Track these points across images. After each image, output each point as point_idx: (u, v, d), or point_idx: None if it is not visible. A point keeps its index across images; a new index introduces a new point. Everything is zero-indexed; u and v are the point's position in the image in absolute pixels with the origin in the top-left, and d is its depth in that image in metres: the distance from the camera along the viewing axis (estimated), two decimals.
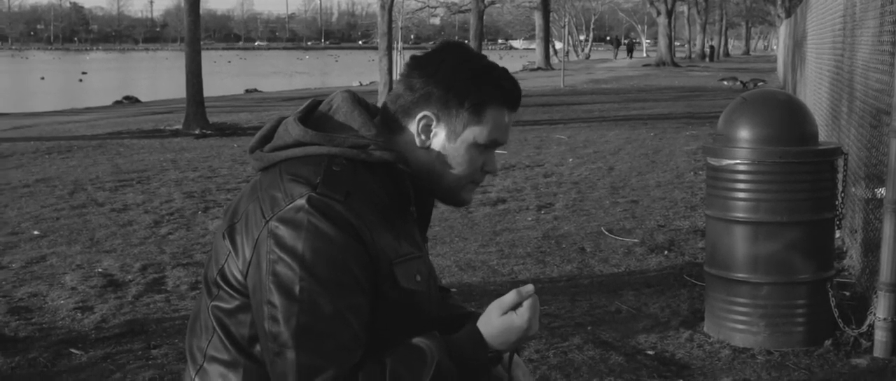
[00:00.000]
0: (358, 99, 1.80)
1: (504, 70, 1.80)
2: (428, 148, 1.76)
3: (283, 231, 1.62)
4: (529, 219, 6.89)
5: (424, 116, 1.75)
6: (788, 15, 28.56)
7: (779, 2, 45.31)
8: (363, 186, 1.69)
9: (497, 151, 1.88)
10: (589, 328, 4.29)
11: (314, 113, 1.81)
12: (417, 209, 1.81)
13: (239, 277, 1.69)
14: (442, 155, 1.76)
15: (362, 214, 1.65)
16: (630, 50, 65.99)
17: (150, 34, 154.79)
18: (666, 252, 5.77)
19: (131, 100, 24.74)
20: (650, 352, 3.97)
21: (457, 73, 1.74)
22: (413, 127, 1.75)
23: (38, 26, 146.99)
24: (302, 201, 1.63)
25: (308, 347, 1.59)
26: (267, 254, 1.62)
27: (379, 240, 1.66)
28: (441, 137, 1.76)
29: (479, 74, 1.75)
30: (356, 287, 1.63)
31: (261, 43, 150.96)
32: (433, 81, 1.74)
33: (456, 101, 1.74)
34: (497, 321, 1.72)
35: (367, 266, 1.64)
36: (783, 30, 26.58)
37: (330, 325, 1.60)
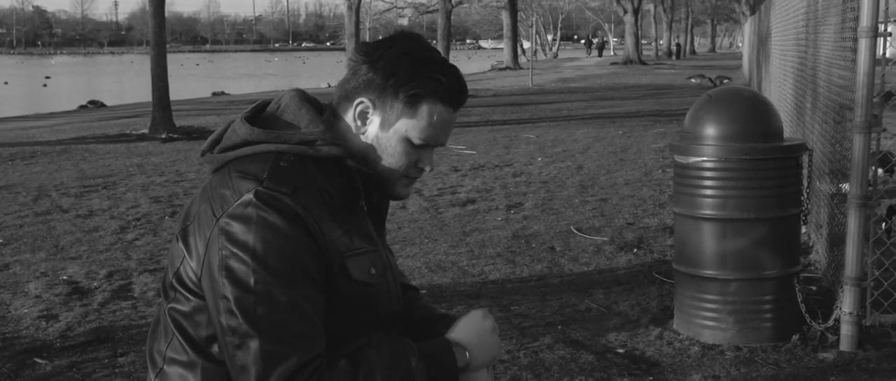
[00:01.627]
0: (306, 96, 1.80)
1: (449, 65, 1.77)
2: (364, 135, 1.75)
3: (234, 227, 1.62)
4: (499, 219, 6.89)
5: (361, 102, 1.73)
6: (753, 12, 28.85)
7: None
8: (311, 181, 1.68)
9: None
10: (559, 327, 4.30)
11: (263, 113, 1.81)
12: (370, 204, 1.80)
13: (194, 278, 1.69)
14: (376, 143, 1.74)
15: (310, 207, 1.64)
16: (600, 49, 66.33)
17: (115, 37, 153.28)
18: (635, 250, 5.80)
19: (96, 104, 24.42)
20: (620, 350, 3.98)
21: (398, 62, 1.71)
22: (351, 113, 1.74)
23: (0, 31, 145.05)
24: (249, 196, 1.63)
25: (268, 335, 1.58)
26: (219, 250, 1.62)
27: (328, 233, 1.66)
28: (375, 124, 1.74)
29: (420, 66, 1.72)
30: (308, 278, 1.63)
31: (228, 46, 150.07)
32: (375, 68, 1.72)
33: (392, 90, 1.71)
34: (476, 324, 1.79)
35: (316, 258, 1.64)
36: (748, 27, 26.85)
37: (287, 314, 1.59)
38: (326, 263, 1.65)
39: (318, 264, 1.64)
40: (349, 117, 1.75)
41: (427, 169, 1.80)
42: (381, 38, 1.80)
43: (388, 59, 1.72)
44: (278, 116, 1.77)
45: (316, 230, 1.64)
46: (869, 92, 3.87)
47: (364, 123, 1.74)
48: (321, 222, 1.65)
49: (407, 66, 1.71)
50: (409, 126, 1.73)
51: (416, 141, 1.74)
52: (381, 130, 1.74)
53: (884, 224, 5.47)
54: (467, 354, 1.76)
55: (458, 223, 6.75)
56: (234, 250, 1.61)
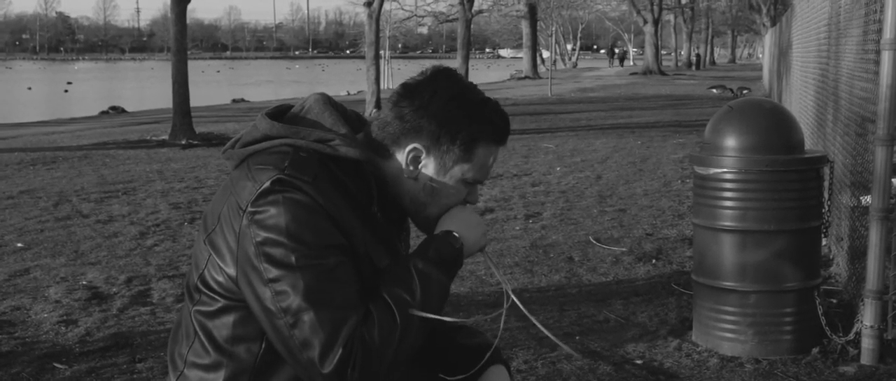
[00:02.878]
0: (330, 101, 1.82)
1: (495, 104, 1.82)
2: (415, 179, 1.78)
3: (263, 213, 1.64)
4: (517, 228, 6.88)
5: (414, 149, 1.76)
6: (774, 24, 28.72)
7: (764, 11, 45.58)
8: (329, 175, 1.71)
9: None
10: (577, 337, 4.28)
11: (287, 113, 1.83)
12: (387, 216, 1.81)
13: (220, 279, 1.70)
14: (428, 187, 1.79)
15: (330, 196, 1.67)
16: (622, 59, 66.16)
17: (136, 44, 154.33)
18: (654, 261, 5.77)
19: (117, 110, 24.64)
20: (639, 361, 3.96)
21: (449, 108, 1.75)
22: (401, 157, 1.77)
23: (24, 36, 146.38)
24: (271, 183, 1.65)
25: (324, 303, 1.61)
26: (253, 238, 1.64)
27: (347, 223, 1.68)
28: (430, 170, 1.78)
29: (473, 112, 1.76)
30: (341, 245, 1.66)
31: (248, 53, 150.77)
32: (425, 114, 1.75)
33: (448, 137, 1.75)
34: (459, 212, 1.84)
35: (342, 237, 1.68)
36: (768, 38, 26.72)
37: (333, 281, 1.63)
38: (351, 245, 1.69)
39: (344, 240, 1.68)
40: (398, 160, 1.78)
41: (473, 203, 1.89)
42: (418, 77, 1.81)
43: (438, 105, 1.75)
44: (302, 117, 1.79)
45: (337, 217, 1.66)
46: (891, 104, 3.84)
47: (416, 168, 1.78)
48: (340, 211, 1.67)
49: (458, 112, 1.75)
50: (465, 169, 1.79)
51: (472, 180, 1.81)
52: (437, 175, 1.78)
53: None
54: (459, 237, 1.81)
55: None
56: (269, 234, 1.63)
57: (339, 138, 1.73)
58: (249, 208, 1.65)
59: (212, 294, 1.71)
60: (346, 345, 1.59)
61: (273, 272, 1.62)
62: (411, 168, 1.77)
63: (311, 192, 1.64)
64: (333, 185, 1.69)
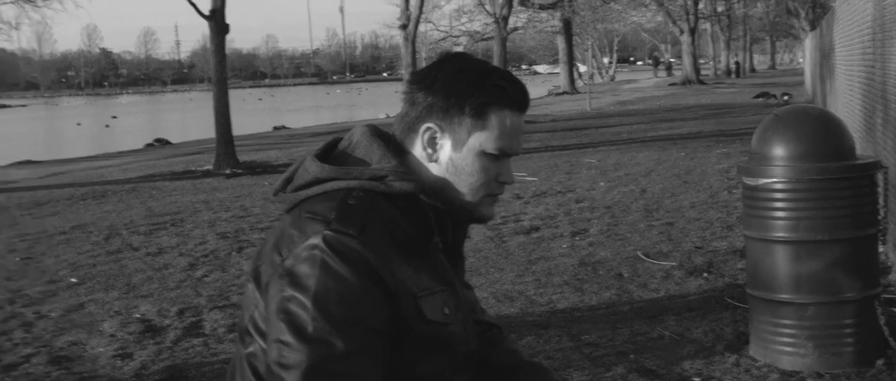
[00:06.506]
0: (377, 131, 1.77)
1: (505, 72, 1.75)
2: (437, 161, 1.71)
3: (297, 270, 1.59)
4: (564, 246, 6.84)
5: (428, 128, 1.70)
6: (813, 28, 28.35)
7: (802, 15, 45.02)
8: (381, 218, 1.65)
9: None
10: (632, 355, 4.23)
11: (335, 150, 1.78)
12: (444, 241, 1.75)
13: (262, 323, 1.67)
14: (451, 167, 1.71)
15: (379, 249, 1.61)
16: (668, 68, 65.56)
17: (177, 76, 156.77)
18: (705, 275, 5.69)
19: (162, 142, 25.00)
20: (696, 379, 3.90)
21: (455, 79, 1.70)
22: (419, 143, 1.72)
23: (69, 73, 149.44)
24: (316, 240, 1.60)
25: None
26: (280, 291, 1.60)
27: (398, 273, 1.62)
28: (447, 147, 1.71)
29: (478, 77, 1.70)
30: (368, 328, 1.58)
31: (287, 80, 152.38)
32: (433, 91, 1.70)
33: (457, 107, 1.69)
34: None
35: (383, 304, 1.60)
36: (809, 43, 26.37)
37: (343, 364, 1.56)
38: (397, 305, 1.61)
39: (383, 309, 1.60)
40: (418, 148, 1.72)
41: (508, 183, 1.76)
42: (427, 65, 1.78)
43: (444, 80, 1.70)
44: (350, 153, 1.74)
45: (385, 273, 1.60)
46: None
47: (434, 150, 1.71)
48: (390, 262, 1.61)
49: (465, 80, 1.70)
50: (482, 139, 1.70)
51: (493, 151, 1.70)
52: (455, 151, 1.70)
53: None
54: None
55: (523, 252, 6.71)
56: (295, 293, 1.58)
57: (391, 173, 1.69)
58: (288, 260, 1.61)
59: (260, 338, 1.67)
60: None
61: (285, 334, 1.57)
62: (430, 150, 1.71)
63: (358, 247, 1.59)
64: (386, 229, 1.64)
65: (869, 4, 6.91)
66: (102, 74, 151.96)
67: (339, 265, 1.57)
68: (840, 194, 3.90)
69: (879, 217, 4.05)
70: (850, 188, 3.92)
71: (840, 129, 4.04)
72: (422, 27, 25.85)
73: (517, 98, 1.72)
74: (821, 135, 3.93)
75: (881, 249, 4.33)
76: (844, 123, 4.20)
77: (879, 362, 3.89)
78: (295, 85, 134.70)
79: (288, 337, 1.56)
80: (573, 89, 41.83)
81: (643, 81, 57.42)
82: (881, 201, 4.11)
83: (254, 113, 45.35)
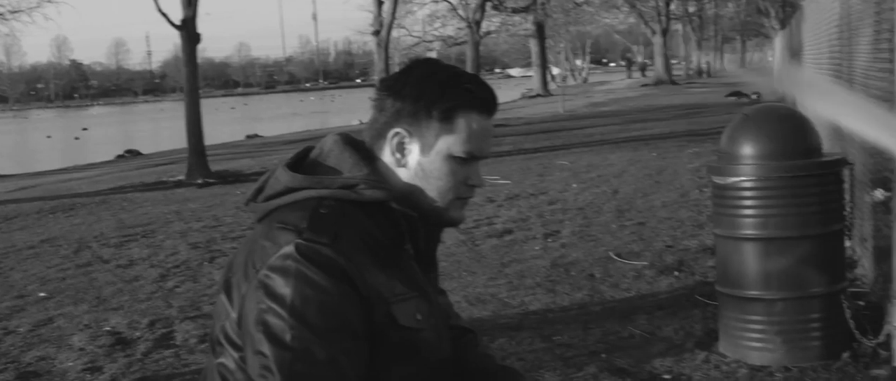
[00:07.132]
0: (349, 139, 1.77)
1: (473, 75, 1.76)
2: (405, 166, 1.72)
3: (272, 281, 1.59)
4: (537, 248, 6.85)
5: (397, 134, 1.71)
6: (783, 26, 28.64)
7: (773, 14, 45.47)
8: (353, 226, 1.65)
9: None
10: (603, 355, 4.24)
11: (306, 159, 1.78)
12: (416, 248, 1.76)
13: (237, 331, 1.66)
14: (420, 171, 1.71)
15: (351, 255, 1.61)
16: (643, 68, 65.92)
17: (149, 86, 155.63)
18: (676, 273, 5.72)
19: (133, 153, 24.81)
20: (667, 376, 3.91)
21: (423, 84, 1.70)
22: (388, 148, 1.72)
23: (39, 85, 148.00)
24: (289, 249, 1.60)
25: None
26: (257, 304, 1.60)
27: (371, 280, 1.62)
28: (416, 152, 1.71)
29: (446, 81, 1.71)
30: (348, 332, 1.59)
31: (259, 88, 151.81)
32: (401, 97, 1.70)
33: (425, 111, 1.69)
34: None
35: (359, 308, 1.60)
36: (778, 41, 26.64)
37: (324, 371, 1.56)
38: (370, 310, 1.62)
39: (361, 314, 1.60)
40: (387, 154, 1.72)
41: (477, 186, 1.76)
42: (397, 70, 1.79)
43: (413, 85, 1.70)
44: (321, 162, 1.74)
45: (359, 279, 1.60)
46: None
47: (403, 154, 1.71)
48: (364, 269, 1.61)
49: (433, 85, 1.70)
50: (449, 143, 1.70)
51: (461, 154, 1.71)
52: (423, 155, 1.71)
53: None
54: None
55: (496, 255, 6.72)
56: (271, 304, 1.58)
57: (362, 182, 1.69)
58: (263, 271, 1.61)
59: (231, 348, 1.68)
60: None
61: (266, 346, 1.57)
62: (398, 155, 1.71)
63: (332, 254, 1.59)
64: (359, 237, 1.64)
65: (835, 3, 6.98)
66: (72, 86, 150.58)
67: (315, 273, 1.57)
68: (808, 190, 3.94)
69: (845, 213, 4.09)
70: (818, 185, 3.96)
71: (807, 127, 4.07)
72: (395, 33, 25.87)
73: (485, 101, 1.73)
74: (789, 133, 3.97)
75: (847, 244, 4.38)
76: (812, 121, 4.23)
77: (845, 354, 3.93)
78: (267, 93, 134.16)
79: (267, 348, 1.56)
80: (546, 92, 41.96)
81: (616, 83, 57.73)
82: (847, 196, 4.15)
83: (226, 122, 45.10)
